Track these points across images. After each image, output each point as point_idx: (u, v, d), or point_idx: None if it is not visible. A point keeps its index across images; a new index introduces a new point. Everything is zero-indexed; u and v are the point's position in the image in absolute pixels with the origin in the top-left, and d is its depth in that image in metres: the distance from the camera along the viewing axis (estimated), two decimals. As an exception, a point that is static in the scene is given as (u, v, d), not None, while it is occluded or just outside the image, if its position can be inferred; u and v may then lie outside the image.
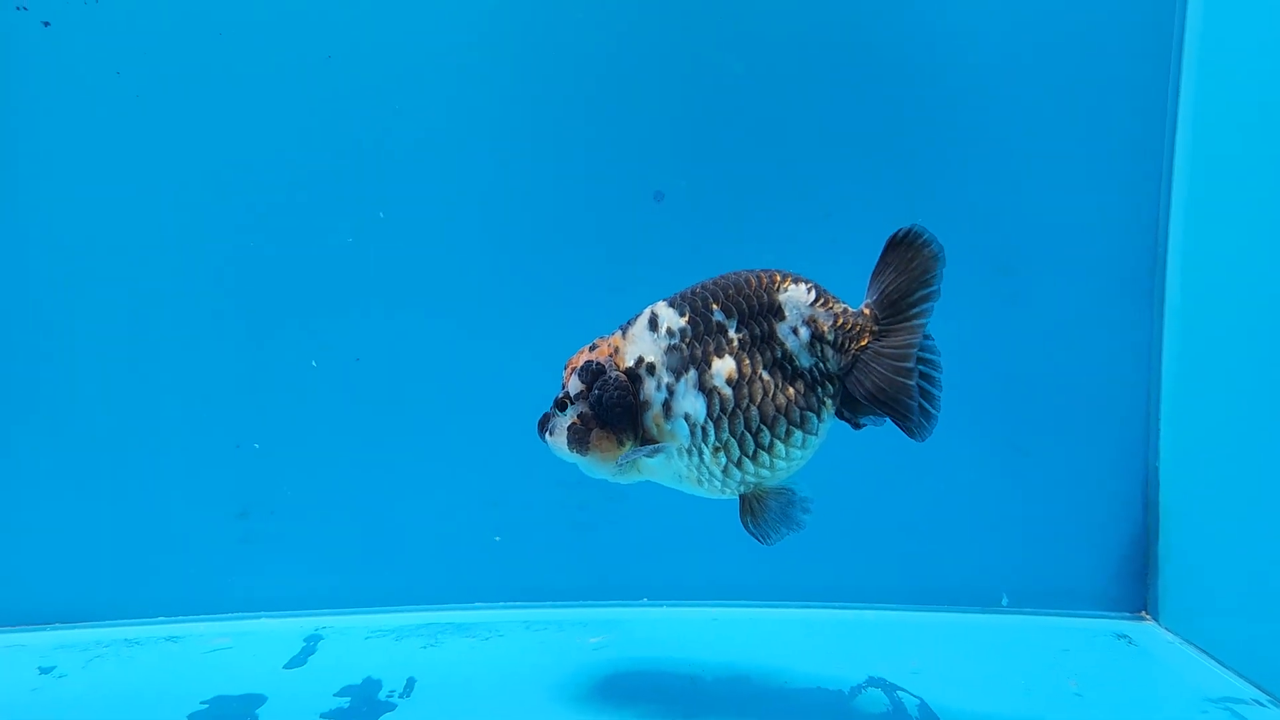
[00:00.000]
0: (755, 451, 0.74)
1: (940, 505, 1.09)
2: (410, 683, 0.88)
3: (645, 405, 0.75)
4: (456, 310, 1.08)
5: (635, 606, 1.10)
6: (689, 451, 0.75)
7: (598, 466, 0.77)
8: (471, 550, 1.10)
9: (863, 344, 0.75)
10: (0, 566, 1.03)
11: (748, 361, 0.74)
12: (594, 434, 0.74)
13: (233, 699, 0.85)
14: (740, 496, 0.77)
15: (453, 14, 1.04)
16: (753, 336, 0.75)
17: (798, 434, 0.74)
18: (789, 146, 1.07)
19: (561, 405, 0.76)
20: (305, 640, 1.00)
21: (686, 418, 0.74)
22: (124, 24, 1.02)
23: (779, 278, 0.77)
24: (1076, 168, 1.07)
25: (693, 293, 0.78)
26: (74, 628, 1.04)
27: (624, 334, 0.77)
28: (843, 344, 0.75)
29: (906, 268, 0.74)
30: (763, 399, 0.73)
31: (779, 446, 0.74)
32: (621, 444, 0.75)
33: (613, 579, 1.12)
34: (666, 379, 0.75)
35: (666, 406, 0.75)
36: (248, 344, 1.06)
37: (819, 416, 0.75)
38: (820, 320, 0.75)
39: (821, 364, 0.75)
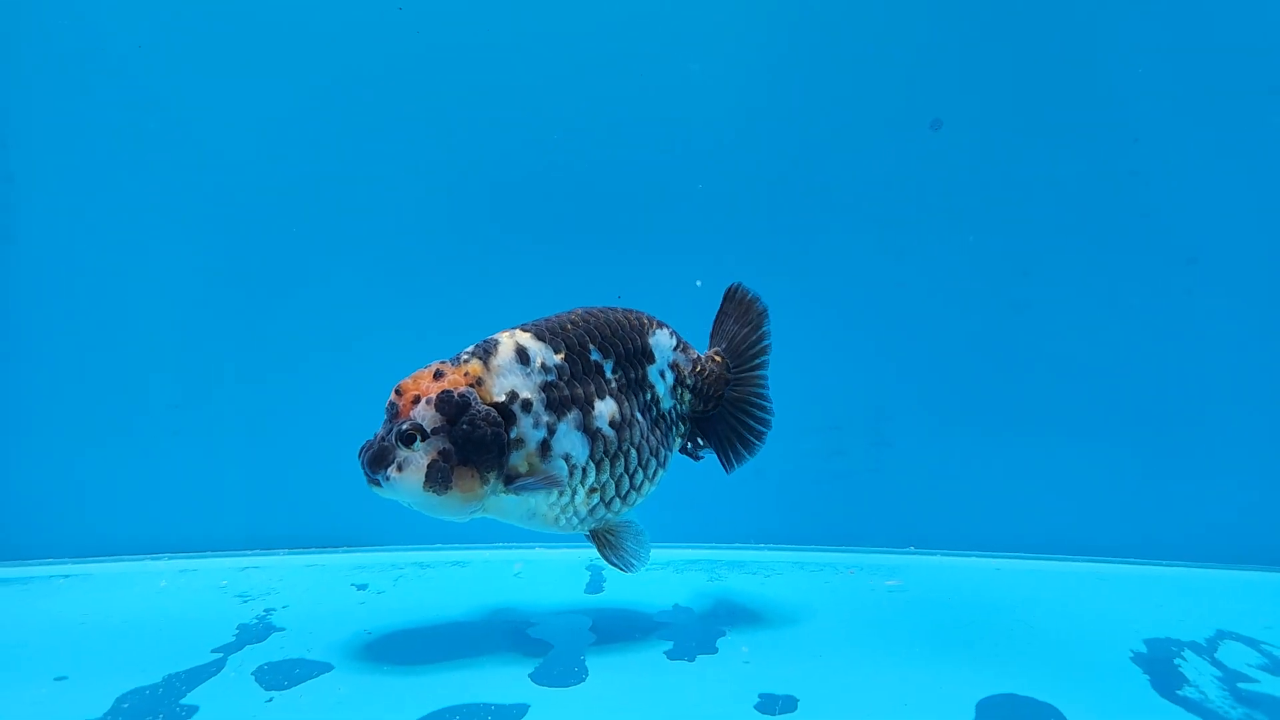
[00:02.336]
0: (627, 492, 0.75)
1: (1235, 465, 1.04)
2: (718, 609, 0.89)
3: (518, 443, 0.69)
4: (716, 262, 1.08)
5: (902, 554, 1.09)
6: (560, 491, 0.72)
7: (450, 506, 0.69)
8: (718, 491, 1.10)
9: (719, 391, 0.81)
10: (307, 497, 1.08)
11: (626, 404, 0.75)
12: (456, 472, 0.67)
13: (562, 613, 0.87)
14: (592, 532, 0.77)
15: None
16: (629, 379, 0.76)
17: (660, 473, 0.79)
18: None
19: (408, 439, 0.67)
20: (588, 570, 1.03)
21: (567, 458, 0.72)
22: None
23: (646, 320, 0.78)
24: None
25: (561, 328, 0.75)
26: (366, 551, 1.08)
27: (485, 364, 0.70)
28: (701, 389, 0.81)
29: (744, 319, 0.82)
30: (640, 441, 0.75)
31: (646, 486, 0.77)
32: (485, 482, 0.68)
33: (873, 526, 1.11)
34: (546, 418, 0.71)
35: (544, 446, 0.71)
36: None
37: (670, 454, 0.80)
38: (681, 366, 0.80)
39: (679, 406, 0.80)
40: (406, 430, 0.67)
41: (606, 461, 0.73)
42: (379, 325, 1.07)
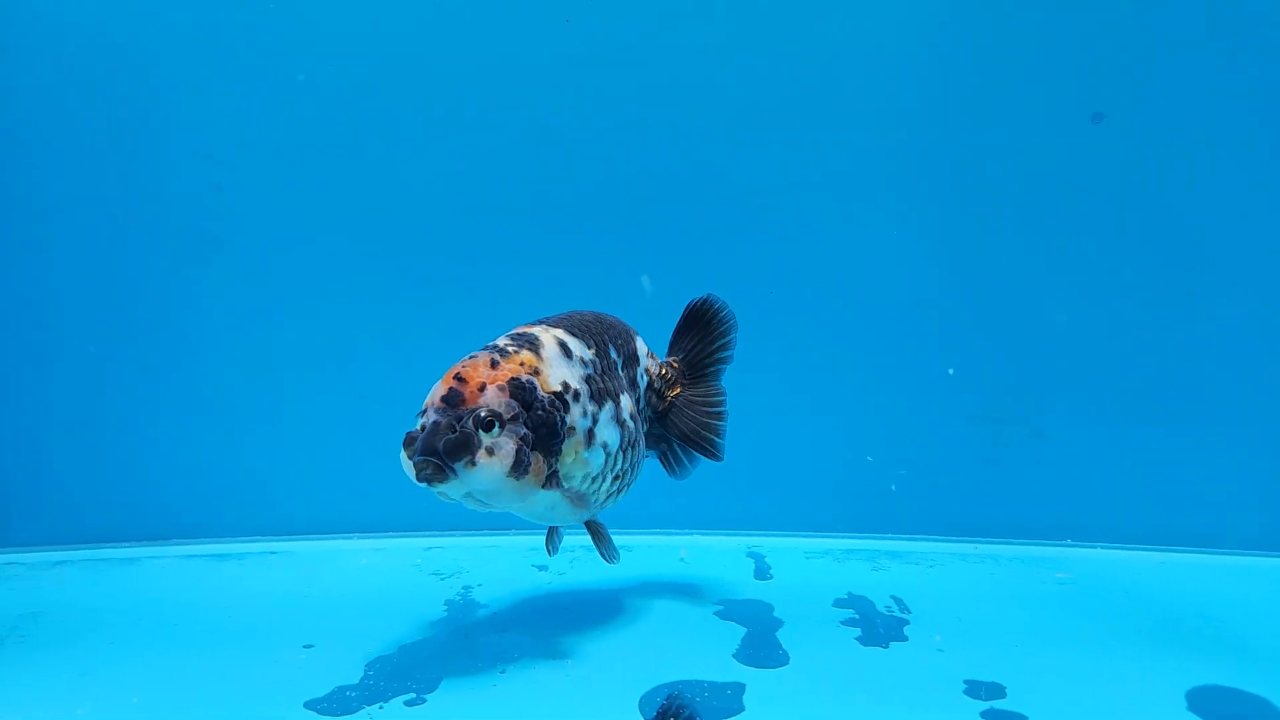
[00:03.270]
0: (632, 480, 0.80)
1: None
2: (892, 598, 0.92)
3: (570, 431, 0.71)
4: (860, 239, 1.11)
5: (1060, 546, 1.10)
6: (594, 479, 0.74)
7: (519, 493, 0.68)
8: (872, 482, 1.14)
9: (675, 393, 0.87)
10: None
11: (633, 398, 0.79)
12: (533, 458, 0.67)
13: (740, 598, 0.92)
14: (587, 524, 0.81)
15: None
16: (629, 377, 0.80)
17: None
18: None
19: (488, 424, 0.65)
20: (750, 556, 1.07)
21: (605, 446, 0.73)
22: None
23: (630, 327, 0.84)
24: None
25: (585, 325, 0.77)
26: (536, 534, 1.15)
27: (537, 354, 0.71)
28: (663, 391, 0.86)
29: (707, 333, 0.87)
30: (642, 434, 0.81)
31: (638, 477, 0.82)
32: (550, 468, 0.69)
33: (1030, 518, 1.12)
34: (591, 408, 0.73)
35: (590, 434, 0.72)
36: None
37: None
38: (651, 370, 0.85)
39: (647, 407, 0.85)
40: (485, 417, 0.65)
41: (630, 450, 0.77)
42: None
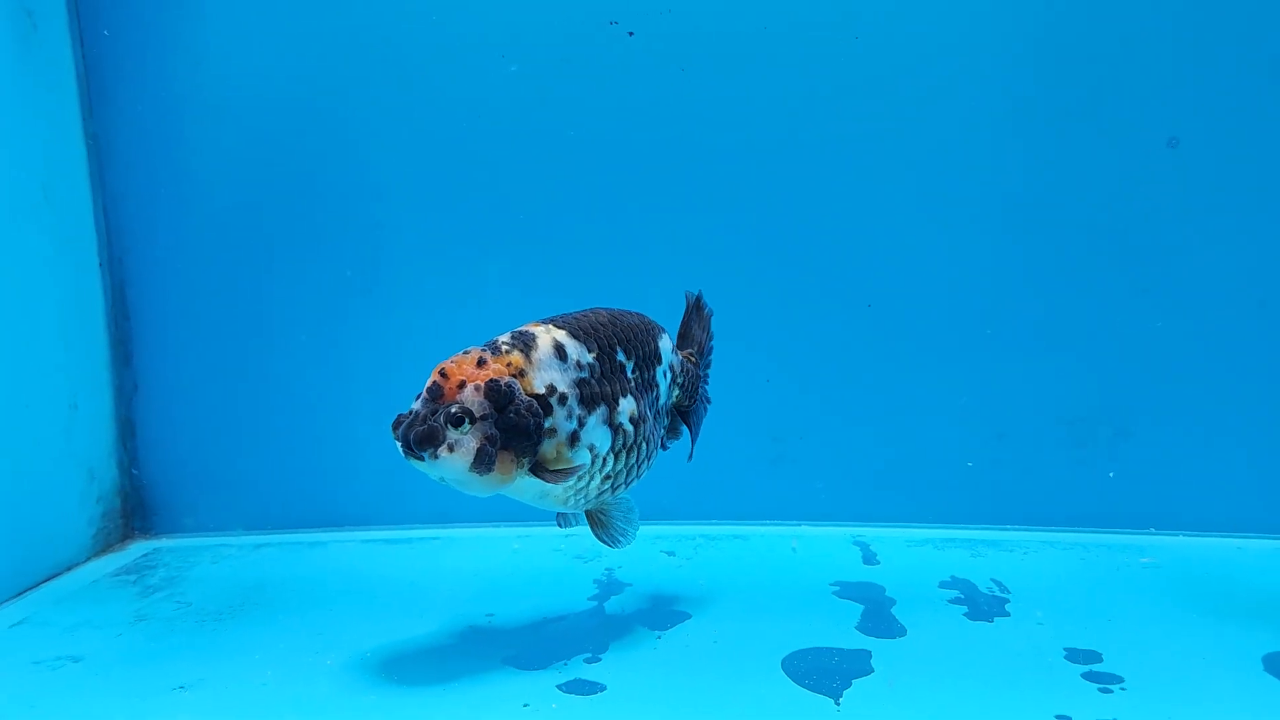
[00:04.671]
0: (632, 480, 0.83)
1: None
2: (993, 581, 1.03)
3: (550, 432, 0.74)
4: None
5: (1144, 534, 1.19)
6: (579, 477, 0.78)
7: (486, 485, 0.73)
8: (969, 475, 1.24)
9: (697, 388, 0.94)
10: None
11: (641, 401, 0.82)
12: (499, 456, 0.71)
13: (854, 581, 1.04)
14: (587, 513, 0.84)
15: None
16: (643, 379, 0.83)
17: (654, 458, 0.87)
18: None
19: (458, 420, 0.70)
20: (855, 545, 1.18)
21: (591, 449, 0.77)
22: (691, 27, 1.22)
23: (654, 326, 0.87)
24: None
25: (594, 328, 0.80)
26: (660, 524, 1.27)
27: (526, 356, 0.74)
28: (686, 386, 0.91)
29: (703, 323, 0.95)
30: (649, 434, 0.84)
31: (645, 472, 0.85)
32: (520, 465, 0.73)
33: (1114, 509, 1.21)
34: (578, 411, 0.76)
35: (574, 436, 0.75)
36: (776, 297, 1.25)
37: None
38: (675, 367, 0.89)
39: (668, 402, 0.89)
40: (455, 414, 0.70)
41: (624, 454, 0.81)
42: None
